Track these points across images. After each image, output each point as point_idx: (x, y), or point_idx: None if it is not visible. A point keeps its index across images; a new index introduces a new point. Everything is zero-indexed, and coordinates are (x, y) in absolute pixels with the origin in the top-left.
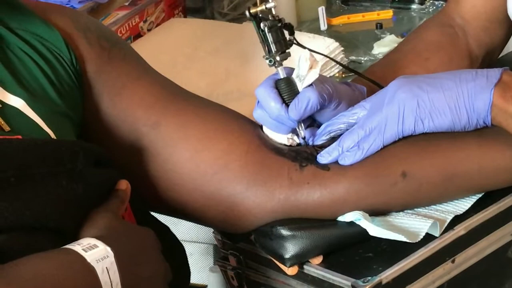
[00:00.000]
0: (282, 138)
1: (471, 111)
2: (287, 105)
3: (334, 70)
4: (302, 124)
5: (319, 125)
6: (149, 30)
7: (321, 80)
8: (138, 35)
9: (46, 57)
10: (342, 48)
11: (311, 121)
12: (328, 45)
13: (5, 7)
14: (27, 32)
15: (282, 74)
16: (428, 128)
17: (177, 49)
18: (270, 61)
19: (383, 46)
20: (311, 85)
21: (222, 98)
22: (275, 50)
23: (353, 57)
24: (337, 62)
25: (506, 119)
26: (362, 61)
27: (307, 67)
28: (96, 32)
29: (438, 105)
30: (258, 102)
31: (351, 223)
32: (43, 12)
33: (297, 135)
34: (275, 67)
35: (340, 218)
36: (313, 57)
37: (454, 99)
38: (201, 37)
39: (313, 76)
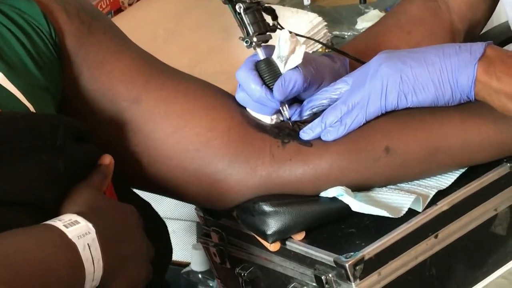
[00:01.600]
0: (265, 119)
1: (455, 86)
2: (268, 87)
3: (317, 45)
4: (286, 105)
5: (301, 102)
6: (130, 4)
7: (304, 60)
8: (119, 10)
9: (25, 30)
10: (325, 23)
11: (293, 99)
12: (311, 20)
13: None
14: (5, 5)
15: (261, 56)
16: (411, 103)
17: (158, 24)
18: (246, 42)
19: (367, 21)
20: (297, 66)
21: (205, 73)
22: (253, 31)
23: (336, 32)
24: (319, 42)
25: (489, 94)
26: (346, 36)
27: (288, 48)
28: (75, 5)
29: (422, 80)
30: (240, 85)
31: (334, 199)
32: None
33: (282, 114)
34: (254, 48)
35: (323, 194)
36: (295, 37)
37: (437, 74)
38: (183, 11)
39: (298, 59)
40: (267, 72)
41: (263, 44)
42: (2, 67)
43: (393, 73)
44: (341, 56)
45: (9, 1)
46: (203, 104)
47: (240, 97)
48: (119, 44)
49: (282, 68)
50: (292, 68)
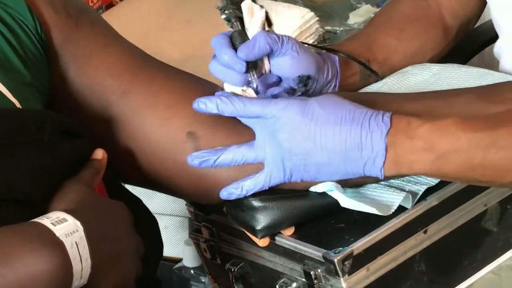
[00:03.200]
0: (237, 90)
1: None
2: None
3: (309, 41)
4: (254, 73)
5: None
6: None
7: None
8: (110, 5)
9: (9, 25)
10: (317, 18)
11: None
12: (303, 15)
13: None
14: None
15: (235, 26)
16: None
17: (149, 19)
18: (221, 11)
19: (359, 16)
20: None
21: (196, 68)
22: (229, 2)
23: (328, 27)
24: (310, 45)
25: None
26: (338, 31)
27: (248, 15)
28: (64, 0)
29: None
30: (214, 55)
31: (323, 194)
32: None
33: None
34: (226, 17)
35: (313, 189)
36: (253, 5)
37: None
38: (175, 6)
39: (257, 23)
40: (238, 39)
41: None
42: None
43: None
44: (331, 54)
45: None
46: (190, 96)
47: (212, 66)
48: (107, 38)
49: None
50: (257, 33)
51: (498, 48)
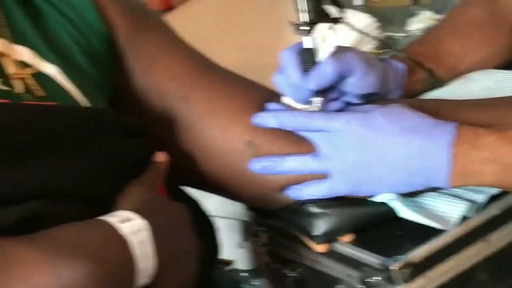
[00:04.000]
0: (298, 107)
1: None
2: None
3: (368, 46)
4: (318, 96)
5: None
6: (181, 3)
7: (345, 51)
8: (170, 8)
9: (78, 26)
10: (377, 24)
11: (337, 93)
12: (363, 21)
13: None
14: (60, 1)
15: (307, 44)
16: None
17: (210, 23)
18: (294, 28)
19: (419, 22)
20: (333, 56)
21: (255, 73)
22: (305, 19)
23: (388, 33)
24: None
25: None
26: (398, 38)
27: (321, 39)
28: (127, 2)
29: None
30: (280, 67)
31: (382, 202)
32: None
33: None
34: (300, 35)
35: (374, 199)
36: (331, 29)
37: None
38: (235, 10)
39: (328, 48)
40: (308, 60)
41: (313, 33)
42: (57, 62)
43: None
44: (399, 63)
45: None
46: (249, 103)
47: (277, 79)
48: (170, 42)
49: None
50: (327, 59)
51: None
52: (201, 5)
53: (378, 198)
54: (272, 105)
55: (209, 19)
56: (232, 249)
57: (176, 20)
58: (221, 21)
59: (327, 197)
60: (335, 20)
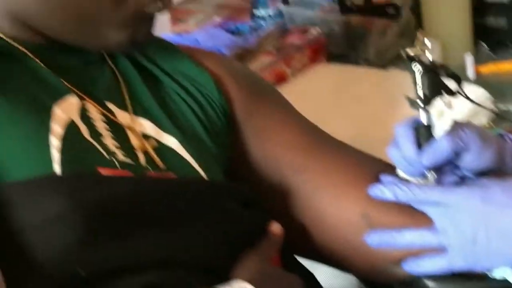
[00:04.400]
0: (412, 180)
1: None
2: (421, 149)
3: (482, 120)
4: (433, 171)
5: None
6: (293, 75)
7: (460, 127)
8: (283, 80)
9: (197, 99)
10: (490, 97)
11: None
12: (476, 93)
13: (160, 49)
14: (180, 74)
15: (423, 119)
16: None
17: (321, 95)
18: (410, 103)
19: None
20: (449, 133)
21: (368, 145)
22: (422, 94)
23: (502, 106)
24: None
25: None
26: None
27: (438, 115)
28: (245, 76)
29: None
30: (395, 140)
31: (504, 281)
32: (195, 56)
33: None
34: (416, 110)
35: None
36: (450, 105)
37: None
38: (346, 83)
39: (445, 124)
40: (423, 136)
41: (430, 108)
42: (178, 134)
43: None
44: None
45: (183, 71)
46: (363, 176)
47: (392, 152)
48: (286, 115)
49: (435, 134)
50: (443, 136)
51: None
52: (313, 78)
53: (497, 273)
54: (387, 178)
55: (321, 91)
56: None
57: (289, 92)
58: (333, 93)
59: (444, 272)
60: (452, 94)
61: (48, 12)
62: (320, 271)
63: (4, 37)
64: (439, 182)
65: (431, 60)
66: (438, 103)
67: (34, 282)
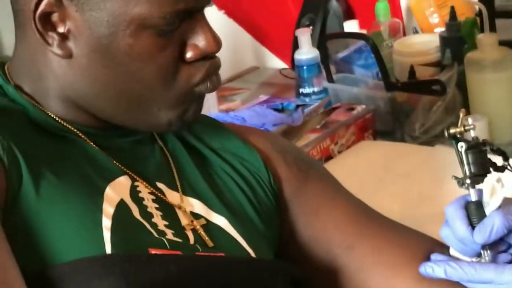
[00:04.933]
0: (466, 260)
1: None
2: (473, 228)
3: None
4: (488, 250)
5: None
6: (339, 152)
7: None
8: (329, 157)
9: (245, 177)
10: None
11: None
12: None
13: (207, 128)
14: (227, 152)
15: (473, 197)
16: None
17: (367, 171)
18: (459, 182)
19: None
20: (500, 209)
21: (415, 222)
22: (469, 172)
23: None
24: None
25: None
26: None
27: (489, 192)
28: (293, 153)
29: None
30: (446, 220)
31: None
32: (242, 134)
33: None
34: (465, 188)
35: None
36: (501, 184)
37: None
38: (392, 159)
39: (497, 201)
40: (475, 214)
41: (477, 185)
42: (226, 213)
43: None
44: None
45: (231, 149)
46: (414, 255)
47: (444, 233)
48: (334, 192)
49: (486, 212)
50: (495, 212)
51: None
52: (359, 154)
53: None
54: (438, 256)
55: (367, 167)
56: None
57: (335, 169)
58: (380, 170)
59: None
60: (500, 170)
61: (100, 95)
62: None
63: (59, 119)
64: (493, 261)
65: (474, 137)
66: (489, 180)
67: None
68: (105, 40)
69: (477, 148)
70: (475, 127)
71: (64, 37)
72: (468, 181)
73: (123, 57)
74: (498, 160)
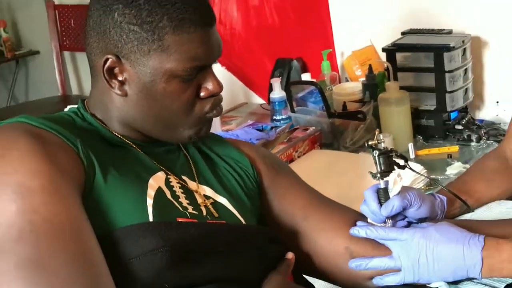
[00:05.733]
0: (377, 225)
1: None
2: (381, 205)
3: (420, 184)
4: (390, 220)
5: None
6: (298, 157)
7: (407, 189)
8: (292, 160)
9: (239, 172)
10: (425, 170)
11: (400, 216)
12: (416, 168)
13: (213, 141)
14: (227, 157)
15: (382, 185)
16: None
17: (316, 169)
18: (373, 176)
19: (453, 169)
20: (398, 194)
21: (347, 202)
22: (380, 169)
23: (432, 176)
24: (441, 185)
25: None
26: (439, 179)
27: (392, 182)
28: (269, 157)
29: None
30: (364, 200)
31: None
32: (237, 145)
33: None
34: (377, 180)
35: (432, 285)
36: (400, 177)
37: (453, 277)
38: (332, 162)
39: (397, 189)
40: (382, 196)
41: (385, 178)
42: (226, 196)
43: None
44: (442, 195)
45: (229, 154)
46: (346, 222)
47: (363, 208)
48: (295, 182)
49: (390, 195)
50: (395, 196)
51: None
52: (311, 159)
53: (433, 285)
54: (361, 223)
55: (316, 167)
56: None
57: (296, 168)
58: (323, 169)
59: (399, 284)
60: (401, 168)
61: (144, 120)
62: (318, 284)
63: (118, 135)
64: (394, 226)
65: (384, 147)
66: (393, 175)
67: None
68: (148, 85)
69: (386, 154)
70: (385, 141)
71: (122, 83)
72: (379, 175)
73: (159, 96)
74: (401, 161)
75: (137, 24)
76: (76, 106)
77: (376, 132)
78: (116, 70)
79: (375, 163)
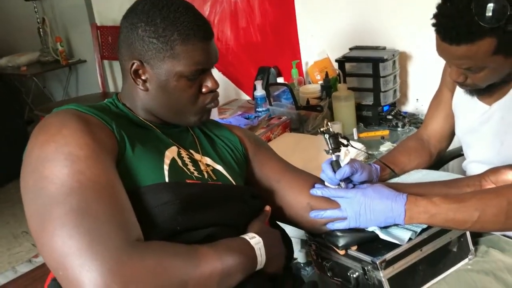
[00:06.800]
0: (331, 186)
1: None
2: (335, 172)
3: (361, 157)
4: (343, 182)
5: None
6: (274, 138)
7: (353, 161)
8: (269, 140)
9: (231, 148)
10: (365, 147)
11: (349, 180)
12: (358, 146)
13: (213, 125)
14: (222, 136)
15: (334, 158)
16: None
17: (287, 147)
18: (327, 152)
19: (385, 147)
20: (348, 163)
21: (310, 170)
22: (331, 147)
23: (370, 152)
24: (365, 152)
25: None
26: (375, 153)
27: (343, 156)
28: (253, 137)
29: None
30: (322, 170)
31: (372, 231)
32: (230, 128)
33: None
34: (330, 155)
35: (368, 229)
36: (348, 152)
37: (384, 223)
38: (299, 142)
39: (346, 160)
40: (335, 166)
41: (336, 153)
42: (222, 164)
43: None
44: (376, 165)
45: (224, 135)
46: (308, 184)
47: (322, 175)
48: (272, 155)
49: (342, 164)
50: (345, 165)
51: (464, 166)
52: (284, 140)
53: (369, 229)
54: (318, 185)
55: (287, 145)
56: (297, 252)
57: (273, 145)
58: (292, 146)
59: (345, 228)
60: (346, 146)
61: (161, 108)
62: (287, 228)
63: (142, 119)
64: (345, 187)
65: (332, 131)
66: (342, 150)
67: (155, 233)
68: (163, 83)
69: (335, 136)
70: (332, 127)
71: (144, 81)
72: (331, 151)
73: (172, 91)
74: (344, 141)
75: (155, 37)
76: (111, 98)
77: (325, 121)
78: (140, 71)
79: (326, 143)
